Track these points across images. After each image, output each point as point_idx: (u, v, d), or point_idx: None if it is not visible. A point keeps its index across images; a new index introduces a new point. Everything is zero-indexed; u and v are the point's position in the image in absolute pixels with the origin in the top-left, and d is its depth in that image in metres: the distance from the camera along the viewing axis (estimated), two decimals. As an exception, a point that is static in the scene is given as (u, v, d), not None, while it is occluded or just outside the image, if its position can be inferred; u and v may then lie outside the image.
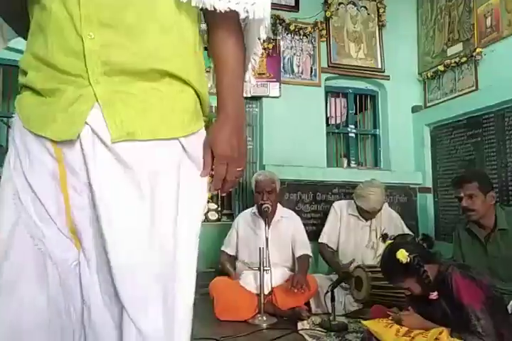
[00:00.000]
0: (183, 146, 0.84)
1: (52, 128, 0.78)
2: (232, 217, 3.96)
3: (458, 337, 1.57)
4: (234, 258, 3.21)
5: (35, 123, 0.81)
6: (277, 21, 3.83)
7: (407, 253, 1.74)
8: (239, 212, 3.47)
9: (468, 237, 2.46)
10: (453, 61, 3.66)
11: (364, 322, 1.83)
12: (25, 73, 0.85)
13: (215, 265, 4.41)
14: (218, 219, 5.05)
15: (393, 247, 1.84)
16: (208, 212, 5.05)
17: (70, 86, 0.78)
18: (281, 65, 3.84)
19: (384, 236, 3.01)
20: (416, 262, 1.73)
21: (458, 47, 3.67)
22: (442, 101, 3.86)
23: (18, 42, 0.98)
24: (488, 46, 3.33)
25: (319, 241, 3.23)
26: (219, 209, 5.17)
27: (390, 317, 1.80)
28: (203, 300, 3.21)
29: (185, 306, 0.84)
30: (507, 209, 2.39)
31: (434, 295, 1.74)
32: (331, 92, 4.20)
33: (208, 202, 5.23)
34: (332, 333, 2.40)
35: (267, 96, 3.77)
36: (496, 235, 2.31)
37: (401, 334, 1.66)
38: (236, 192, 3.89)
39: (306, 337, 2.36)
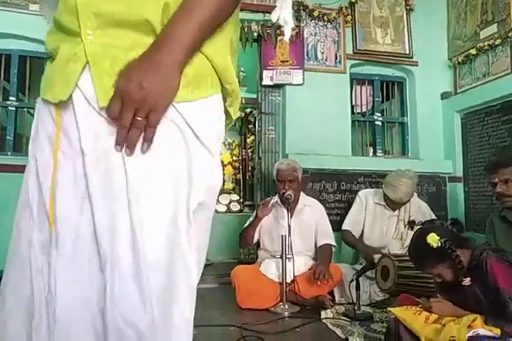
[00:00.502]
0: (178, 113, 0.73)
1: (52, 90, 0.75)
2: (254, 208, 3.90)
3: (493, 324, 1.47)
4: (256, 246, 3.16)
5: (43, 87, 0.78)
6: (301, 7, 3.74)
7: (437, 237, 1.66)
8: (261, 203, 3.40)
9: (503, 225, 2.33)
10: (486, 44, 3.49)
11: (391, 309, 1.75)
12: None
13: (237, 256, 4.41)
14: (240, 210, 5.05)
15: (423, 232, 1.75)
16: (229, 203, 5.06)
17: (68, 44, 0.75)
18: (305, 51, 3.75)
19: (411, 223, 2.90)
20: (447, 246, 1.64)
21: (492, 29, 3.49)
22: (474, 87, 3.69)
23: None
24: (525, 26, 3.15)
25: (342, 228, 3.13)
26: (241, 200, 5.16)
27: (420, 305, 1.72)
28: (224, 289, 3.21)
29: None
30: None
31: (467, 281, 1.64)
32: (357, 79, 4.08)
33: (230, 193, 5.27)
34: (357, 322, 2.32)
35: (290, 84, 3.69)
36: None
37: (431, 321, 1.58)
38: (258, 182, 3.83)
39: (330, 325, 2.30)
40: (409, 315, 1.65)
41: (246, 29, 3.58)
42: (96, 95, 0.71)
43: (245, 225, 3.10)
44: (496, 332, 1.45)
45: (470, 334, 1.42)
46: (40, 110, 0.79)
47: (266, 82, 3.66)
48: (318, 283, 2.57)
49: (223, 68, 0.81)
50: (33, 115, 3.07)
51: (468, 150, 3.77)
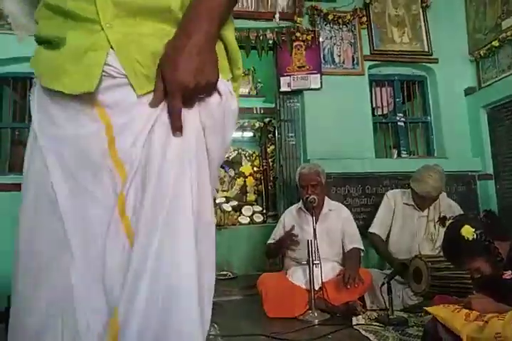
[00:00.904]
0: None
1: (69, 80, 0.71)
2: (277, 217, 3.83)
3: (540, 319, 1.35)
4: (281, 255, 3.07)
5: (47, 76, 0.75)
6: (315, 12, 3.73)
7: (472, 230, 1.56)
8: (285, 214, 3.33)
9: None
10: (509, 34, 3.38)
11: (428, 309, 1.64)
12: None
13: (262, 267, 4.32)
14: (264, 221, 4.98)
15: (456, 225, 1.66)
16: (253, 214, 5.00)
17: (81, 32, 0.72)
18: (322, 55, 3.72)
19: (442, 219, 2.79)
20: (484, 238, 1.54)
21: (513, 19, 3.38)
22: (499, 80, 3.56)
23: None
24: (548, 13, 3.04)
25: (369, 230, 3.03)
26: (263, 211, 5.10)
27: (458, 304, 1.61)
28: (251, 300, 3.13)
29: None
30: None
31: (508, 274, 1.53)
32: (376, 81, 4.01)
33: (252, 204, 5.22)
34: (390, 328, 2.20)
35: (308, 89, 3.65)
36: None
37: (472, 318, 1.47)
38: (281, 190, 3.77)
39: (363, 332, 2.18)
40: (448, 313, 1.55)
41: (261, 37, 3.58)
42: (131, 83, 0.69)
43: (271, 237, 3.04)
44: (544, 327, 1.33)
45: (515, 330, 1.31)
46: (49, 107, 0.74)
47: (284, 88, 3.64)
48: (348, 287, 2.46)
49: (236, 50, 0.80)
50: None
51: (497, 146, 3.62)
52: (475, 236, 1.56)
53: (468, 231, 1.57)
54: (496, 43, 3.56)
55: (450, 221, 1.80)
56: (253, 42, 3.56)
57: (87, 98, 0.69)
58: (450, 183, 3.58)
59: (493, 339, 1.33)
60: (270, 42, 3.62)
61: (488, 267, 1.57)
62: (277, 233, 3.06)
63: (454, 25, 3.97)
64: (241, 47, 3.60)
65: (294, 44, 3.63)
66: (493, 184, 3.66)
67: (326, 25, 3.79)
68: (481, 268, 1.58)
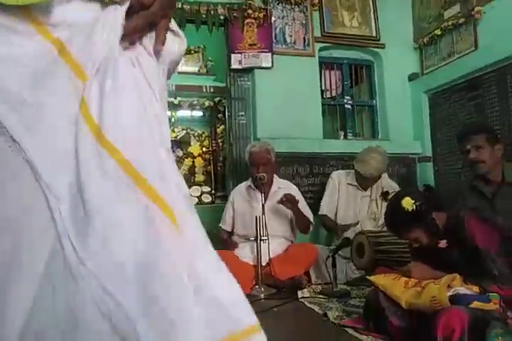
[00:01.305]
0: None
1: None
2: (225, 198, 3.81)
3: (472, 282, 1.45)
4: (231, 234, 3.08)
5: None
6: (267, -10, 3.68)
7: (412, 201, 1.63)
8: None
9: (473, 195, 2.33)
10: (450, 23, 3.53)
11: (370, 278, 1.71)
12: None
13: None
14: (212, 202, 4.95)
15: (398, 197, 1.73)
16: (201, 195, 4.94)
17: None
18: (273, 35, 3.69)
19: (384, 194, 2.91)
20: (423, 209, 1.62)
21: (455, 9, 3.52)
22: (440, 67, 3.73)
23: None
24: (488, 3, 3.19)
25: (319, 213, 3.12)
26: (212, 191, 5.06)
27: (397, 271, 1.68)
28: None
29: None
30: (514, 163, 2.27)
31: (443, 243, 1.62)
32: (325, 64, 4.05)
33: (201, 185, 5.15)
34: (334, 299, 2.28)
35: (259, 68, 3.62)
36: (503, 190, 2.19)
37: (410, 285, 1.54)
38: (230, 169, 3.74)
39: (308, 304, 2.24)
40: (389, 282, 1.62)
41: (213, 12, 3.48)
42: None
43: (222, 219, 3.07)
44: (476, 290, 1.43)
45: (450, 293, 1.40)
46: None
47: (234, 65, 3.58)
48: (284, 199, 2.65)
49: None
50: None
51: (436, 129, 3.81)
52: (414, 207, 1.62)
53: (408, 203, 1.63)
54: (438, 32, 3.70)
55: (392, 195, 1.87)
56: (204, 16, 3.45)
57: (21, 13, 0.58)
58: (392, 165, 3.73)
59: (429, 303, 1.40)
60: (221, 17, 3.53)
61: (425, 237, 1.65)
62: (227, 212, 3.06)
63: (400, 12, 4.08)
64: (191, 21, 3.49)
65: (246, 21, 3.57)
66: (432, 166, 3.86)
67: (278, 4, 3.75)
68: (420, 237, 1.66)
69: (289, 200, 2.69)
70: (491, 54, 3.14)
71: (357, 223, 2.93)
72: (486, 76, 3.24)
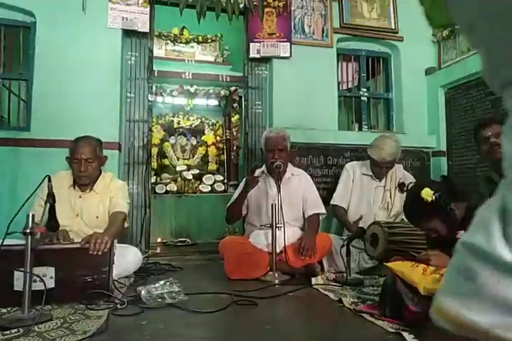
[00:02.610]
0: None
1: None
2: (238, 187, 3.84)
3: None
4: (242, 221, 3.12)
5: None
6: (287, -21, 3.68)
7: (431, 192, 1.66)
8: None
9: (488, 187, 2.36)
10: (471, 17, 3.51)
11: (387, 264, 1.74)
12: None
13: (223, 236, 4.38)
14: (225, 191, 5.01)
15: (417, 188, 1.75)
16: (214, 183, 5.00)
17: None
18: (292, 24, 3.70)
19: (401, 186, 2.94)
20: (442, 200, 1.65)
21: (476, 2, 3.50)
22: (458, 61, 3.72)
23: None
24: (510, -3, 3.17)
25: (331, 203, 3.14)
26: (225, 180, 5.12)
27: (415, 259, 1.72)
28: (212, 264, 3.19)
29: None
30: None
31: (460, 234, 1.65)
32: (343, 55, 4.05)
33: (214, 174, 5.23)
34: (348, 287, 2.32)
35: (278, 57, 3.64)
36: None
37: (429, 272, 1.58)
38: (245, 157, 3.78)
39: (322, 291, 2.29)
40: (407, 268, 1.65)
41: (232, 0, 3.50)
42: None
43: (231, 200, 3.05)
44: (493, 279, 1.46)
45: (468, 280, 1.43)
46: None
47: (253, 54, 3.60)
48: (302, 258, 2.59)
49: None
50: (8, 88, 2.96)
51: (452, 124, 3.81)
52: (434, 198, 1.65)
53: (427, 194, 1.66)
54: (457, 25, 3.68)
55: (410, 186, 1.89)
56: (224, 4, 3.47)
57: None
58: (406, 158, 3.76)
59: (447, 289, 1.44)
60: (241, 6, 3.55)
61: (444, 227, 1.68)
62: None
63: (420, 5, 4.05)
64: (211, 9, 3.51)
65: (266, 10, 3.58)
66: (446, 161, 3.87)
67: (298, -7, 3.76)
68: (438, 228, 1.69)
69: (306, 251, 2.62)
70: (511, 49, 3.13)
71: (360, 218, 2.95)
72: (505, 71, 3.23)
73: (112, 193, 2.62)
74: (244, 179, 2.94)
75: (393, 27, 4.00)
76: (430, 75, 4.01)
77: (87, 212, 2.56)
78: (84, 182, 2.57)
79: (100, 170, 2.67)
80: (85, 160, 2.50)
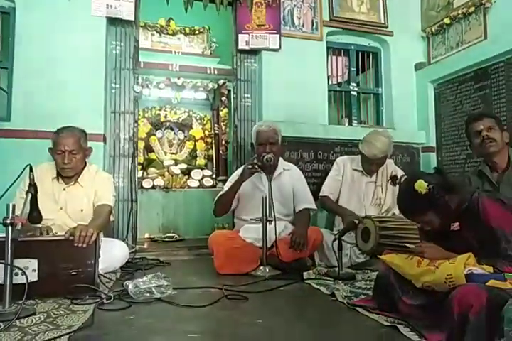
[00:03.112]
0: None
1: None
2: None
3: (486, 262, 1.46)
4: (232, 216, 3.06)
5: None
6: (276, -30, 3.62)
7: (425, 184, 1.61)
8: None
9: (479, 181, 2.36)
10: (459, 12, 3.52)
11: (382, 257, 1.71)
12: None
13: (211, 231, 4.32)
14: (213, 186, 4.94)
15: (410, 180, 1.70)
16: (202, 178, 4.93)
17: None
18: (282, 16, 3.65)
19: (393, 178, 2.91)
20: (436, 192, 1.60)
21: (466, -2, 3.51)
22: (447, 56, 3.73)
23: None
24: (499, -8, 3.18)
25: (320, 194, 3.10)
26: (213, 175, 5.05)
27: (409, 251, 1.69)
28: (201, 260, 3.14)
29: None
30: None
31: (455, 225, 1.62)
32: (333, 49, 4.02)
33: (202, 168, 5.16)
34: (340, 281, 2.29)
35: (267, 49, 3.59)
36: (509, 175, 2.23)
37: (424, 265, 1.54)
38: (234, 152, 3.72)
39: (314, 285, 2.25)
40: (401, 261, 1.62)
41: (221, -10, 3.43)
42: None
43: (222, 192, 2.98)
44: (489, 270, 1.44)
45: (465, 272, 1.40)
46: None
47: (241, 46, 3.55)
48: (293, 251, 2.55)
49: None
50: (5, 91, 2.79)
51: (441, 120, 3.82)
52: (428, 190, 1.61)
53: (421, 186, 1.61)
54: (447, 21, 3.69)
55: (403, 178, 1.85)
56: (212, -6, 3.41)
57: None
58: (395, 153, 3.75)
59: (443, 281, 1.41)
60: (230, -4, 3.48)
61: (439, 220, 1.64)
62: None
63: (409, 0, 4.06)
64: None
65: (255, 1, 3.53)
66: (435, 156, 3.88)
67: (287, -16, 3.71)
68: (433, 220, 1.65)
69: (297, 245, 2.58)
70: (500, 44, 3.14)
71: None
72: (494, 66, 3.25)
73: (97, 186, 2.53)
74: (241, 169, 2.85)
75: (383, 21, 3.99)
76: (419, 70, 4.01)
77: (72, 204, 2.47)
78: (68, 174, 2.47)
79: (85, 162, 2.58)
80: (69, 152, 2.40)
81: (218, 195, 2.94)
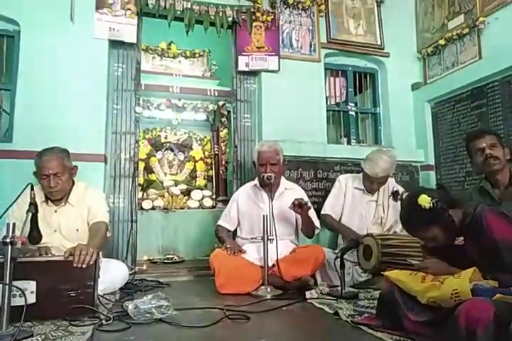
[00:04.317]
0: None
1: None
2: (227, 203, 3.78)
3: (490, 277, 1.44)
4: (233, 235, 3.04)
5: None
6: (275, -6, 3.74)
7: (429, 198, 1.61)
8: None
9: (481, 198, 2.34)
10: (454, 33, 3.60)
11: (386, 273, 1.69)
12: None
13: (212, 251, 4.27)
14: (213, 206, 4.92)
15: (413, 195, 1.70)
16: (202, 198, 4.91)
17: None
18: (280, 39, 3.73)
19: (395, 194, 2.90)
20: (440, 206, 1.60)
21: (459, 20, 3.61)
22: (443, 76, 3.80)
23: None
24: (491, 14, 3.27)
25: (322, 213, 3.08)
26: (213, 196, 5.04)
27: (413, 267, 1.67)
28: (201, 281, 3.10)
29: None
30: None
31: (460, 240, 1.61)
32: (330, 70, 4.10)
33: (202, 189, 5.16)
34: (343, 300, 2.25)
35: (266, 70, 3.65)
36: (511, 190, 2.22)
37: (428, 280, 1.52)
38: (234, 172, 3.73)
39: (317, 304, 2.21)
40: (405, 277, 1.60)
41: (221, 14, 3.53)
42: None
43: (220, 223, 3.01)
44: (494, 284, 1.42)
45: (471, 287, 1.38)
46: None
47: (241, 68, 3.61)
48: (295, 208, 2.63)
49: None
50: (7, 113, 2.83)
51: (439, 138, 3.85)
52: (431, 204, 1.60)
53: (425, 200, 1.61)
54: (442, 42, 3.78)
55: (405, 194, 1.85)
56: (212, 17, 3.50)
57: None
58: (395, 172, 3.73)
59: (449, 297, 1.39)
60: (230, 19, 3.57)
61: (443, 235, 1.62)
62: (231, 211, 3.01)
63: (405, 22, 4.17)
64: (200, 22, 3.53)
65: (254, 24, 3.62)
66: (434, 174, 3.89)
67: (285, 9, 3.81)
68: (437, 236, 1.63)
69: (300, 205, 2.65)
70: (494, 63, 3.21)
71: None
72: (489, 85, 3.30)
73: (89, 203, 2.48)
74: (241, 190, 3.07)
75: (379, 43, 4.07)
76: (416, 90, 4.07)
77: (66, 226, 2.43)
78: (56, 197, 2.42)
79: (72, 180, 2.52)
80: (54, 175, 2.32)
81: (218, 224, 3.03)
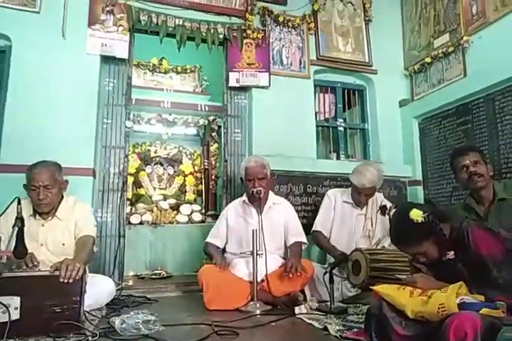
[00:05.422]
0: None
1: None
2: (216, 217, 3.77)
3: (477, 291, 1.45)
4: (222, 251, 3.02)
5: None
6: (266, 12, 3.82)
7: (421, 212, 1.60)
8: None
9: (466, 215, 2.36)
10: (440, 52, 3.70)
11: (374, 287, 1.69)
12: None
13: (200, 267, 4.22)
14: (202, 221, 4.89)
15: (403, 209, 1.69)
16: (191, 213, 4.89)
17: None
18: (271, 55, 3.80)
19: (383, 208, 2.91)
20: (431, 220, 1.60)
21: (444, 38, 3.71)
22: (430, 93, 3.88)
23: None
24: (475, 33, 3.37)
25: (313, 229, 3.10)
26: (202, 211, 5.02)
27: (401, 282, 1.68)
28: (189, 297, 3.06)
29: None
30: (503, 181, 2.37)
31: (450, 254, 1.61)
32: (320, 87, 4.16)
33: (191, 203, 5.12)
34: (332, 316, 2.24)
35: (257, 86, 3.70)
36: (495, 206, 2.25)
37: (416, 295, 1.53)
38: (224, 186, 3.73)
39: (306, 319, 2.20)
40: (393, 291, 1.61)
41: (212, 31, 3.59)
42: None
43: (209, 240, 3.00)
44: (481, 299, 1.43)
45: (457, 301, 1.39)
46: None
47: (232, 83, 3.66)
48: (290, 275, 2.48)
49: None
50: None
51: (426, 153, 3.91)
52: (423, 218, 1.59)
53: (416, 214, 1.59)
54: (428, 60, 3.88)
55: (393, 210, 1.86)
56: (204, 34, 3.56)
57: None
58: (383, 187, 3.76)
59: (435, 311, 1.39)
60: (221, 36, 3.63)
61: (434, 249, 1.61)
62: (220, 227, 3.01)
63: (392, 41, 4.28)
64: (191, 39, 3.58)
65: (245, 41, 3.68)
66: (422, 189, 3.93)
67: (276, 26, 3.89)
68: (429, 250, 1.61)
69: (294, 269, 2.55)
70: (479, 81, 3.29)
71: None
72: (474, 102, 3.38)
73: (77, 216, 2.46)
74: (231, 205, 3.08)
75: (367, 60, 4.16)
76: (404, 107, 4.15)
77: (52, 240, 2.39)
78: (43, 210, 2.39)
79: (62, 194, 2.51)
80: (44, 187, 2.32)
81: (207, 240, 3.01)
